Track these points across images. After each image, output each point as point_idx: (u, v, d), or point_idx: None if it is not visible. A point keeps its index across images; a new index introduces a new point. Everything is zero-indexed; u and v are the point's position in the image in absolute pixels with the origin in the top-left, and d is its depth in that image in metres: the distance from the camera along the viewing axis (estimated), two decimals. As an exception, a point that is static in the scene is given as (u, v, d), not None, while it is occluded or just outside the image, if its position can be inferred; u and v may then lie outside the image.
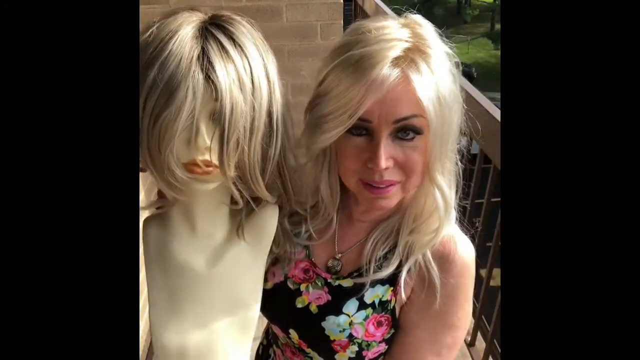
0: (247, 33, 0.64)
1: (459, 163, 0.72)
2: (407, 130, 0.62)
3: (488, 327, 1.61)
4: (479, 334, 1.69)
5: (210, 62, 0.58)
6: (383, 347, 0.73)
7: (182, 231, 0.72)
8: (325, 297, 0.75)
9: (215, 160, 0.61)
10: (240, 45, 0.61)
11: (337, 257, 0.77)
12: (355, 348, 0.72)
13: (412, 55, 0.61)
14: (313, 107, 0.69)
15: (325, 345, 0.73)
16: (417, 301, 0.71)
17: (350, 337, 0.71)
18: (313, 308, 0.75)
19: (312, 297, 0.75)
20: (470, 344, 1.70)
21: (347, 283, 0.74)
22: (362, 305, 0.71)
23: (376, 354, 0.74)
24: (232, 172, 0.62)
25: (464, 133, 0.71)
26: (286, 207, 0.75)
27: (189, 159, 0.61)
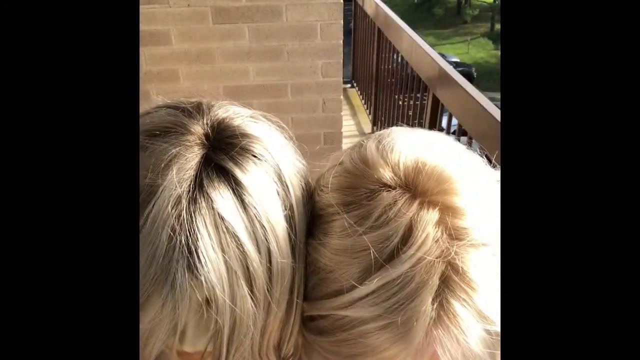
0: (260, 157, 0.45)
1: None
2: None
3: (488, 327, 1.60)
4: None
5: (197, 256, 0.39)
6: None
7: None
8: None
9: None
10: (247, 201, 0.41)
11: None
12: None
13: (448, 296, 0.43)
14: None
15: None
16: None
17: None
18: None
19: None
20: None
21: None
22: None
23: None
24: None
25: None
26: None
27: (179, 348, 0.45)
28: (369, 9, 3.50)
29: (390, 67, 3.16)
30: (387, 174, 0.47)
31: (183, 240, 0.38)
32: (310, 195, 0.50)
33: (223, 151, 0.43)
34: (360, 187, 0.47)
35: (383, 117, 3.38)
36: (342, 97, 2.39)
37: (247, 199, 0.41)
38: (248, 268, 0.40)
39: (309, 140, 2.41)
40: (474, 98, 1.33)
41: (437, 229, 0.44)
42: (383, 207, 0.45)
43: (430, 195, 0.45)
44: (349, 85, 4.38)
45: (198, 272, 0.38)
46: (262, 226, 0.41)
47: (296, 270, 0.45)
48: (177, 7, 2.10)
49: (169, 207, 0.39)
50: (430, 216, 0.44)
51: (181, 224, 0.38)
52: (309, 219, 0.48)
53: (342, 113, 2.41)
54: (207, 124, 0.45)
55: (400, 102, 2.99)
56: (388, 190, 0.46)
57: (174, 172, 0.40)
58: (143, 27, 2.08)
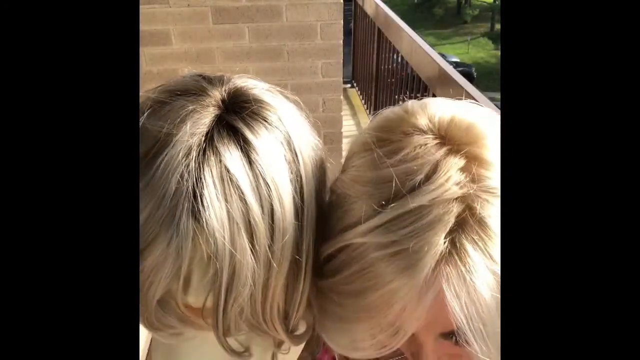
0: (270, 122, 0.47)
1: None
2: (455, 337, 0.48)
3: (488, 327, 1.60)
4: (479, 334, 1.69)
5: (202, 202, 0.41)
6: None
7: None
8: None
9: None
10: (255, 159, 0.43)
11: None
12: None
13: (464, 240, 0.45)
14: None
15: None
16: None
17: None
18: None
19: None
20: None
21: None
22: None
23: None
24: (232, 337, 0.47)
25: None
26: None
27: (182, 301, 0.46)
28: (369, 9, 3.50)
29: (390, 67, 3.16)
30: (422, 121, 0.50)
31: (190, 187, 0.40)
32: (322, 169, 0.51)
33: (236, 113, 0.45)
34: (396, 129, 0.50)
35: (383, 117, 3.37)
36: (342, 97, 2.39)
37: (253, 156, 0.43)
38: (249, 221, 0.42)
39: (309, 140, 2.40)
40: (474, 98, 1.33)
41: (461, 173, 0.46)
42: (413, 146, 0.47)
43: (460, 145, 0.48)
44: (349, 85, 4.38)
45: (201, 216, 0.40)
46: (267, 184, 0.43)
47: (303, 234, 0.46)
48: (177, 7, 2.10)
49: (180, 156, 0.41)
50: (457, 161, 0.46)
51: (189, 172, 0.41)
52: (319, 187, 0.50)
53: (342, 113, 2.41)
54: (225, 90, 0.48)
55: (401, 102, 2.98)
56: (420, 134, 0.49)
57: (188, 126, 0.43)
58: (143, 27, 2.08)
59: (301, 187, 0.46)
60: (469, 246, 0.44)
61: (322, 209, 0.50)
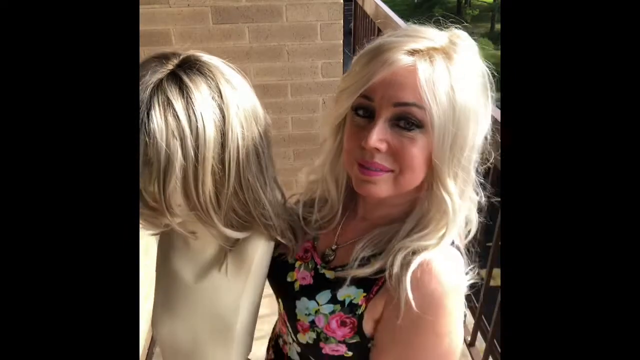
0: (208, 76, 0.67)
1: (479, 190, 0.70)
2: (408, 120, 0.62)
3: (488, 327, 1.61)
4: (479, 334, 1.69)
5: (148, 116, 0.63)
6: (343, 349, 0.73)
7: (179, 244, 0.81)
8: (308, 280, 0.78)
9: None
10: (188, 95, 0.65)
11: (333, 248, 0.79)
12: (313, 335, 0.74)
13: (435, 53, 0.62)
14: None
15: (292, 323, 0.77)
16: (388, 321, 0.67)
17: (312, 324, 0.74)
18: (296, 285, 0.79)
19: (300, 275, 0.80)
20: (470, 344, 1.70)
21: (329, 274, 0.76)
22: (333, 300, 0.72)
23: (334, 352, 0.74)
24: (174, 217, 0.68)
25: (486, 158, 0.70)
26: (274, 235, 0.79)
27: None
28: (369, 9, 3.50)
29: (390, 67, 3.14)
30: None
31: (144, 110, 0.63)
32: (255, 111, 0.72)
33: (183, 69, 0.67)
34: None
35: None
36: (342, 97, 2.37)
37: (188, 94, 0.65)
38: (181, 133, 0.63)
39: (309, 140, 2.41)
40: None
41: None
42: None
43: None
44: (349, 85, 4.35)
45: (148, 127, 0.62)
46: (194, 113, 0.64)
47: (225, 150, 0.67)
48: (177, 7, 2.10)
49: (144, 92, 0.63)
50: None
51: (146, 101, 0.63)
52: (249, 125, 0.71)
53: (342, 113, 2.40)
54: (180, 56, 0.70)
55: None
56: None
57: (149, 74, 0.65)
58: (143, 27, 2.08)
59: (224, 118, 0.67)
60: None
61: (254, 143, 0.71)
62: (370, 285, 0.70)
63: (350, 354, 0.73)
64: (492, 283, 1.56)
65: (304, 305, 0.75)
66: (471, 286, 0.70)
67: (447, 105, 0.61)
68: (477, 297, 1.67)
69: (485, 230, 1.46)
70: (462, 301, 0.66)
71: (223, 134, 0.67)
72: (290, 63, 2.24)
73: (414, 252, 0.66)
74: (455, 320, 0.65)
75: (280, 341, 0.88)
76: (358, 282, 0.70)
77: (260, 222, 0.75)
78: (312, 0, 2.16)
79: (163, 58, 0.69)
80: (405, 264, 0.65)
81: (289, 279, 0.80)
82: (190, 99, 0.64)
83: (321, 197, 0.82)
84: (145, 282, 2.19)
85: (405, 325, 0.64)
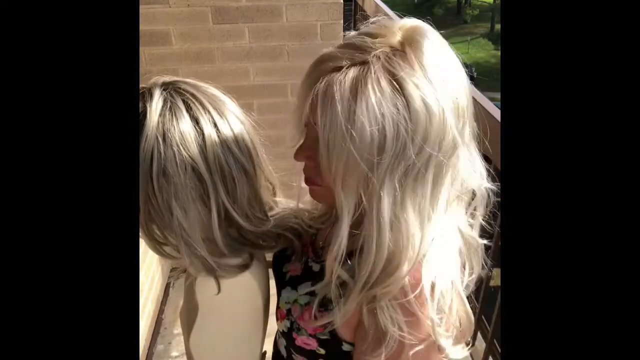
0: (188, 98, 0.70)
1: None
2: None
3: (488, 327, 1.61)
4: (479, 334, 1.69)
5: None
6: (314, 344, 0.73)
7: None
8: (297, 271, 0.80)
9: None
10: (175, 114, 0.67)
11: (322, 243, 0.81)
12: (288, 324, 0.75)
13: (353, 70, 0.57)
14: None
15: (277, 311, 0.79)
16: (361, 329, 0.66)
17: (288, 312, 0.75)
18: (287, 276, 0.81)
19: (292, 267, 0.82)
20: (470, 344, 1.70)
21: (316, 267, 0.77)
22: (311, 292, 0.73)
23: (306, 346, 0.74)
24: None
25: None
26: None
27: None
28: (369, 9, 3.50)
29: (390, 67, 3.14)
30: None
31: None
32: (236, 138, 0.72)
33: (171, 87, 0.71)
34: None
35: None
36: (342, 97, 2.37)
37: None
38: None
39: (309, 140, 2.40)
40: (473, 98, 1.33)
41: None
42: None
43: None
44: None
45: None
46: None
47: (205, 183, 0.68)
48: (177, 7, 2.10)
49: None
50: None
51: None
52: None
53: (342, 113, 2.40)
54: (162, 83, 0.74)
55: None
56: None
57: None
58: (143, 27, 2.08)
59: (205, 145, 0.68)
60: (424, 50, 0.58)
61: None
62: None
63: (322, 351, 0.73)
64: (492, 283, 1.56)
65: (286, 294, 0.77)
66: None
67: (338, 125, 0.56)
68: (477, 297, 1.67)
69: (485, 230, 1.46)
70: (440, 300, 0.62)
71: (198, 168, 0.69)
72: (290, 63, 2.25)
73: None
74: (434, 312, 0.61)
75: (277, 335, 0.90)
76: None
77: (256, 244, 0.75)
78: (312, 0, 2.17)
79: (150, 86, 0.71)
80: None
81: (284, 270, 0.83)
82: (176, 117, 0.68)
83: None
84: (146, 282, 2.20)
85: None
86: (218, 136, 0.69)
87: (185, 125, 0.67)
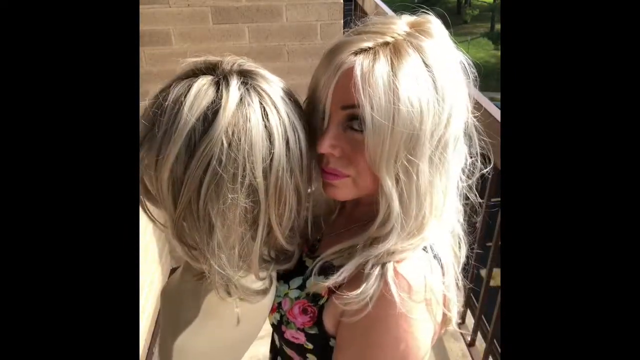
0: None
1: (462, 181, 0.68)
2: (359, 122, 0.61)
3: (488, 327, 1.61)
4: (479, 334, 1.69)
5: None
6: (302, 339, 0.73)
7: None
8: (291, 266, 0.79)
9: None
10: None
11: (318, 238, 0.81)
12: (278, 317, 0.76)
13: (381, 49, 0.60)
14: None
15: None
16: (346, 320, 0.66)
17: (279, 306, 0.76)
18: (281, 270, 0.81)
19: None
20: (470, 344, 1.70)
21: (308, 262, 0.77)
22: (302, 287, 0.74)
23: (294, 340, 0.74)
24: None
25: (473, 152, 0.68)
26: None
27: None
28: (369, 9, 3.50)
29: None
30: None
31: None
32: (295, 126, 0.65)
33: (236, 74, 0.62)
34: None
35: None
36: (342, 97, 2.37)
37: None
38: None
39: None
40: (473, 98, 1.33)
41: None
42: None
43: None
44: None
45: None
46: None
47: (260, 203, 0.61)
48: (177, 7, 2.10)
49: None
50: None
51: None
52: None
53: (342, 113, 2.40)
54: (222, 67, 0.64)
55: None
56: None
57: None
58: (143, 27, 2.08)
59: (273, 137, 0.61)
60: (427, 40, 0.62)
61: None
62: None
63: (310, 346, 0.73)
64: (492, 283, 1.56)
65: (279, 287, 0.77)
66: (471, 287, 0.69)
67: (384, 102, 0.58)
68: (477, 297, 1.67)
69: (485, 230, 1.47)
70: (427, 308, 0.63)
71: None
72: (290, 63, 2.25)
73: (377, 263, 0.63)
74: (414, 325, 0.62)
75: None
76: (325, 274, 0.69)
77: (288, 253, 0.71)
78: (312, 0, 2.17)
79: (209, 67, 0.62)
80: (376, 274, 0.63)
81: None
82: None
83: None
84: (145, 282, 2.20)
85: (363, 323, 0.63)
86: (286, 155, 0.60)
87: (257, 136, 0.57)
